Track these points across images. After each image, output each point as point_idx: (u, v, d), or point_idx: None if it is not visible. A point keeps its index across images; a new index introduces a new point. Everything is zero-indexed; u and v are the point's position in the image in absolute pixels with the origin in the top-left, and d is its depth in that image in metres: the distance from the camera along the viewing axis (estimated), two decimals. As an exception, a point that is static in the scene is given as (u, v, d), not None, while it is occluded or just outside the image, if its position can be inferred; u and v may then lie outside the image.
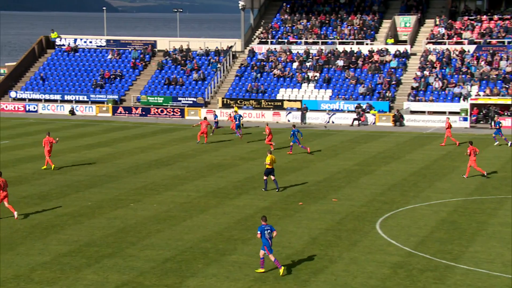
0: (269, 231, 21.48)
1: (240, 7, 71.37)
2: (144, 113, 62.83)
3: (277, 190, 32.74)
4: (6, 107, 65.90)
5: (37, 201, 30.87)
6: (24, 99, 67.68)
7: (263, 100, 62.89)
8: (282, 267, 21.38)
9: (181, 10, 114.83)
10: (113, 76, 69.08)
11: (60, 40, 74.37)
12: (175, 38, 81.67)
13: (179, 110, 62.50)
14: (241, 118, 50.74)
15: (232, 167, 39.11)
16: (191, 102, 64.19)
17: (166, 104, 64.32)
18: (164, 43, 72.69)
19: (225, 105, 62.95)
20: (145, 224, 27.27)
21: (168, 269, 22.03)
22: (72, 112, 64.50)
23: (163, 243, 24.72)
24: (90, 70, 70.60)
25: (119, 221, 27.66)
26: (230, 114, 56.30)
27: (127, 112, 63.60)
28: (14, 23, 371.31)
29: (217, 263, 22.64)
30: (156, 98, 64.98)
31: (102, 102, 65.91)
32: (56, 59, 72.89)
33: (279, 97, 63.55)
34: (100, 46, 73.62)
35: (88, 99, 66.53)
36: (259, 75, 66.31)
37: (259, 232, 21.50)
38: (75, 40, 74.51)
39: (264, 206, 30.20)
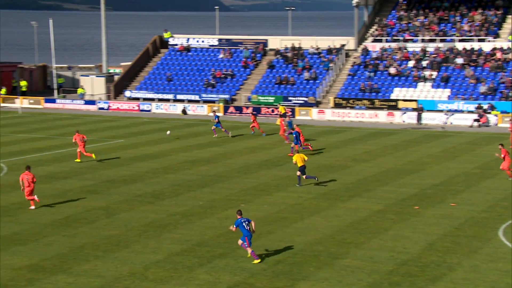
0: (246, 222, 22.69)
1: (354, 4, 70.77)
2: (255, 112, 63.40)
3: (316, 180, 34.23)
4: (122, 106, 68.42)
5: (150, 199, 31.87)
6: (138, 99, 70.08)
7: (376, 100, 62.08)
8: (259, 259, 22.71)
9: (294, 8, 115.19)
10: (224, 75, 70.29)
11: (173, 40, 76.48)
12: (286, 36, 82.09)
13: (290, 110, 62.71)
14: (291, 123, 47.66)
15: (344, 169, 38.85)
16: (302, 102, 64.31)
17: (276, 104, 64.73)
18: (275, 42, 73.20)
19: (337, 105, 62.63)
20: (256, 225, 27.45)
21: (279, 272, 22.16)
22: (184, 111, 66.09)
23: (274, 244, 24.88)
24: (202, 70, 72.18)
25: (230, 221, 28.04)
26: (279, 115, 54.30)
27: (238, 112, 64.53)
28: (130, 23, 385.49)
29: (329, 267, 22.54)
30: (267, 98, 65.58)
31: (213, 102, 67.22)
32: (169, 58, 75.02)
33: (393, 96, 62.52)
34: (212, 45, 75.09)
35: (199, 99, 68.05)
36: (372, 74, 65.52)
37: (235, 226, 22.76)
38: (188, 39, 76.38)
39: (378, 209, 29.80)
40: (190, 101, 68.18)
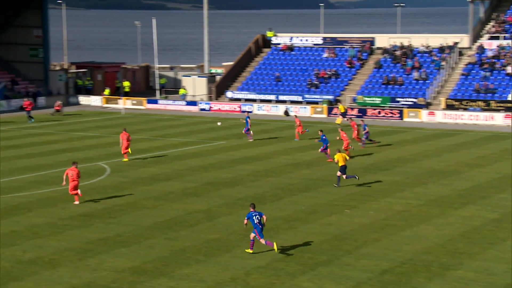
0: (257, 216, 24.15)
1: (469, 0, 68.90)
2: (360, 114, 62.91)
3: (356, 178, 34.56)
4: (223, 107, 69.41)
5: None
6: (239, 99, 70.89)
7: (492, 101, 60.16)
8: (275, 243, 24.17)
9: (403, 4, 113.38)
10: (329, 75, 70.04)
11: (276, 39, 76.91)
12: (395, 34, 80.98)
13: (397, 111, 61.76)
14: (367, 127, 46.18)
15: (457, 174, 37.88)
16: (411, 103, 63.16)
17: (383, 105, 63.92)
18: (383, 40, 72.32)
19: (449, 107, 61.13)
20: (361, 232, 27.29)
21: (386, 281, 21.85)
22: (286, 113, 66.27)
23: (381, 253, 24.57)
24: (305, 70, 72.22)
25: (334, 227, 27.96)
26: (339, 114, 52.51)
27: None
28: (232, 22, 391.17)
29: (440, 278, 22.04)
30: (373, 99, 64.85)
31: (316, 103, 67.11)
32: (272, 58, 75.50)
33: (511, 97, 60.40)
34: (316, 44, 74.99)
35: (302, 100, 68.09)
36: (488, 73, 63.58)
37: (246, 218, 24.27)
38: (291, 38, 76.62)
39: (494, 218, 28.89)
40: (292, 102, 68.35)
